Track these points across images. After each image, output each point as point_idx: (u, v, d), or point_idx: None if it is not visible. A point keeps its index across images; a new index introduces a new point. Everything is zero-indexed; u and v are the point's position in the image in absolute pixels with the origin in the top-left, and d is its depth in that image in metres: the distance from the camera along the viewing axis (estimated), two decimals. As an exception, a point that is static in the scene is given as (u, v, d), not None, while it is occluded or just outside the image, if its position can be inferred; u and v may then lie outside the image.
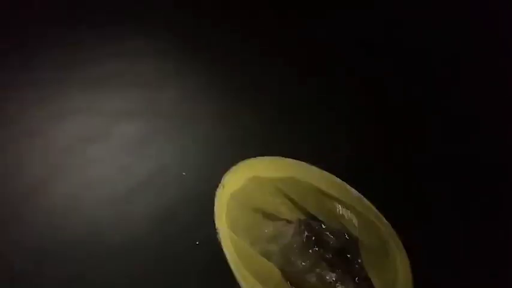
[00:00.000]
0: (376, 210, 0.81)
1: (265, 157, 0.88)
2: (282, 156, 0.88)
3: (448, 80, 1.27)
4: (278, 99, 1.23)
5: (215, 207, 0.78)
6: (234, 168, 0.84)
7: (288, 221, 0.89)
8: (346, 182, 0.86)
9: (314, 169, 0.87)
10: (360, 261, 0.83)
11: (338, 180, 0.85)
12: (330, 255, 0.83)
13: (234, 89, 1.26)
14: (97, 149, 1.10)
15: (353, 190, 0.84)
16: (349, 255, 0.83)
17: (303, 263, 0.82)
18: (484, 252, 0.92)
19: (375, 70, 1.29)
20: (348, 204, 0.84)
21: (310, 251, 0.84)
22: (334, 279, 0.81)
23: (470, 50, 1.35)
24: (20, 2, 1.46)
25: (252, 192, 0.86)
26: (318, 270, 0.82)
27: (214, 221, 0.77)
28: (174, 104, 1.21)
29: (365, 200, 0.82)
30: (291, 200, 0.89)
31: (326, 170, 0.87)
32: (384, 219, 0.80)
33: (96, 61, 1.29)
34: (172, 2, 1.50)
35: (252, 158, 0.87)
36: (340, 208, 0.85)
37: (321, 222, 0.88)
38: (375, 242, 0.80)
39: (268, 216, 0.88)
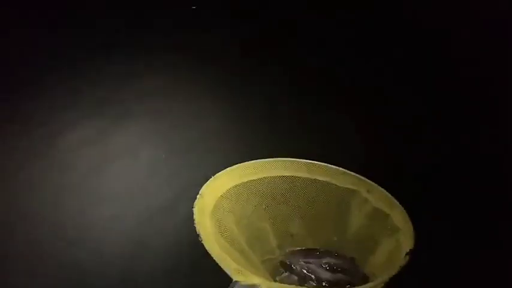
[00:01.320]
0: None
1: (249, 162, 0.82)
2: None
3: (449, 80, 1.28)
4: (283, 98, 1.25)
5: (195, 215, 0.72)
6: (213, 177, 0.78)
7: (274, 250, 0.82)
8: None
9: (309, 163, 0.82)
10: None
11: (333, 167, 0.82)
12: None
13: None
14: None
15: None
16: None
17: None
18: (484, 251, 0.93)
19: (375, 76, 1.30)
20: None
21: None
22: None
23: (471, 50, 1.35)
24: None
25: (231, 207, 0.79)
26: None
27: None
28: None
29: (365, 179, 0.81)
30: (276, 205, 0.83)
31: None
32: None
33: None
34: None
35: (235, 165, 0.81)
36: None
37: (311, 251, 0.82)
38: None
39: (249, 241, 0.80)
